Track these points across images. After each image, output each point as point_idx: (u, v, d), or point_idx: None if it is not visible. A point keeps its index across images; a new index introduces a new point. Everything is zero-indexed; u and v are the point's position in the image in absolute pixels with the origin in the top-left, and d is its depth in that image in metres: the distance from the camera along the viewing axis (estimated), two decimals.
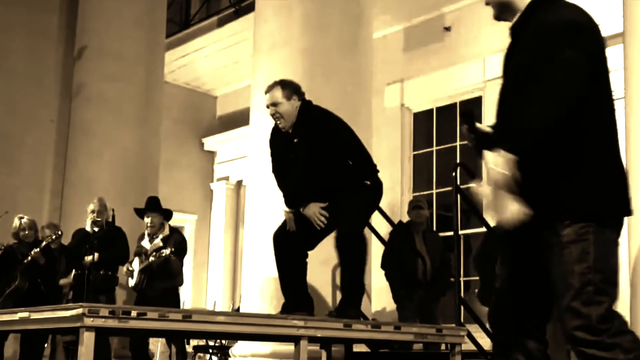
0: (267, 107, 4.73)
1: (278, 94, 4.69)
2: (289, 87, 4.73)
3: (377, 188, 4.75)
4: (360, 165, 4.66)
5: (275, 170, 4.85)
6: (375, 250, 7.10)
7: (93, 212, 7.00)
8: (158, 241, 6.83)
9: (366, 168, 4.70)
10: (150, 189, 8.70)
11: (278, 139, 4.81)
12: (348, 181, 4.55)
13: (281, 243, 4.67)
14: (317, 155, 4.54)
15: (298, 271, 4.67)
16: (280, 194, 4.82)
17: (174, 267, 6.74)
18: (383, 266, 7.12)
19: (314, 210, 4.51)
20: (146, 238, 6.95)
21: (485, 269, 7.03)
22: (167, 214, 7.03)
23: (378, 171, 4.79)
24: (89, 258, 6.73)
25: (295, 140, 4.63)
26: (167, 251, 6.53)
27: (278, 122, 4.69)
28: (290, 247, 4.63)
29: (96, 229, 6.92)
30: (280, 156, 4.78)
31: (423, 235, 7.26)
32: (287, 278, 4.68)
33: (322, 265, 5.62)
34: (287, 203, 4.68)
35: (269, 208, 6.00)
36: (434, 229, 9.35)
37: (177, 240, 6.79)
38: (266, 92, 4.76)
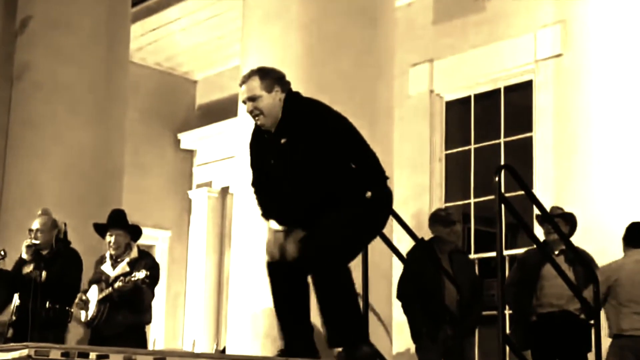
0: (243, 102, 4.81)
1: (255, 84, 4.76)
2: (270, 77, 4.79)
3: (380, 201, 4.70)
4: (363, 171, 4.67)
5: (256, 182, 4.90)
6: (397, 273, 7.10)
7: (31, 231, 6.99)
8: (124, 265, 6.85)
9: (370, 175, 4.71)
10: (113, 198, 8.73)
11: (259, 142, 4.86)
12: (345, 193, 4.56)
13: (277, 267, 4.68)
14: (311, 160, 4.56)
15: (299, 303, 4.68)
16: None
17: (144, 298, 6.76)
18: (400, 296, 7.13)
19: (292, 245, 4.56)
20: (108, 262, 6.97)
21: (522, 300, 7.09)
22: (135, 232, 7.06)
23: (387, 178, 4.80)
24: (36, 273, 6.74)
25: (282, 142, 4.67)
26: (139, 275, 6.53)
27: (257, 119, 4.76)
28: (289, 272, 4.64)
29: (28, 257, 6.87)
30: (262, 163, 4.83)
31: (449, 256, 7.28)
32: (286, 312, 4.69)
33: None
34: (280, 221, 4.72)
35: (262, 222, 6.01)
36: (471, 248, 9.35)
37: (148, 265, 6.81)
38: (241, 84, 4.84)
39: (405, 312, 7.14)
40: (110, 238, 6.92)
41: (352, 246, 4.77)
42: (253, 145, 4.94)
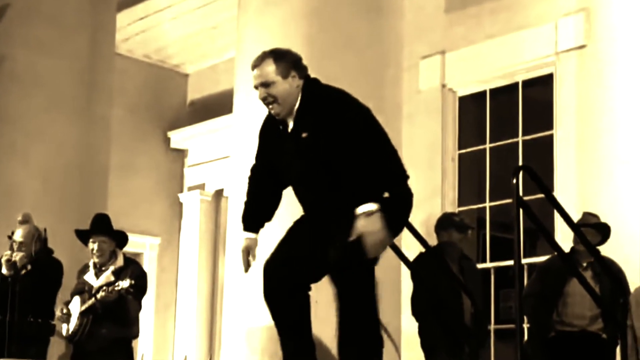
0: (255, 87, 4.70)
1: (270, 69, 4.63)
2: (286, 60, 4.68)
3: (403, 201, 4.70)
4: (386, 170, 4.65)
5: (257, 171, 4.84)
6: (406, 283, 7.10)
7: (13, 242, 6.96)
8: (109, 274, 6.85)
9: (393, 173, 4.69)
10: (97, 201, 8.73)
11: (272, 132, 4.78)
12: (367, 192, 4.53)
13: (276, 274, 4.66)
14: (334, 157, 4.49)
15: (300, 314, 4.67)
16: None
17: (130, 309, 6.76)
18: (415, 311, 7.16)
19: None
20: (91, 270, 6.97)
21: (541, 314, 7.08)
22: (120, 238, 7.05)
23: (407, 177, 4.79)
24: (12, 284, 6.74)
25: (303, 136, 4.58)
26: (123, 284, 6.53)
27: (270, 108, 4.66)
28: (289, 280, 4.63)
29: (10, 271, 6.86)
30: (273, 156, 4.76)
31: (459, 264, 7.30)
32: (286, 324, 4.68)
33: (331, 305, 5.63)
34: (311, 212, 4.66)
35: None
36: (487, 256, 9.35)
37: (134, 274, 6.81)
38: (253, 68, 4.72)
39: (420, 326, 7.16)
40: (93, 245, 6.91)
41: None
42: (264, 134, 4.84)
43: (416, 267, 6.91)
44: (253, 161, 4.94)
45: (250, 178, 4.88)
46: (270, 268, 4.65)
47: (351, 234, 4.33)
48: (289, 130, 4.65)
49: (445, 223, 7.49)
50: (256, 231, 4.77)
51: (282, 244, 4.71)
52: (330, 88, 4.73)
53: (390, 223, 4.51)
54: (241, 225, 4.85)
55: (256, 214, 4.83)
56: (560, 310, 7.04)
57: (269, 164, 4.79)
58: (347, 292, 4.52)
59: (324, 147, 4.49)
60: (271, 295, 4.63)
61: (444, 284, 6.96)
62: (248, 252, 4.73)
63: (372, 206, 4.30)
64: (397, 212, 4.62)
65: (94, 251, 6.92)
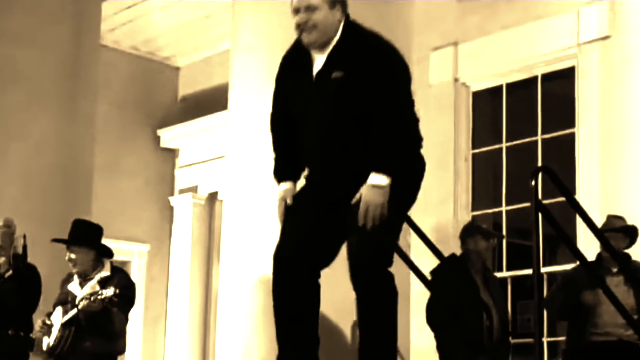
0: (294, 11, 4.65)
1: None
2: None
3: (418, 172, 4.75)
4: (411, 134, 4.64)
5: (278, 119, 4.79)
6: (415, 294, 7.10)
7: None
8: (94, 284, 6.85)
9: (416, 139, 4.70)
10: (81, 205, 8.73)
11: (291, 73, 4.73)
12: (386, 155, 4.50)
13: (287, 264, 4.61)
14: (367, 104, 4.48)
15: (312, 304, 4.66)
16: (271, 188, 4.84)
17: (115, 321, 6.76)
18: (430, 320, 7.19)
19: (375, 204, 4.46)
20: (76, 280, 6.97)
21: (572, 324, 7.12)
22: (103, 251, 7.03)
23: (422, 147, 4.81)
24: None
25: (334, 76, 4.53)
26: (107, 292, 6.52)
27: (305, 36, 4.61)
28: (302, 268, 4.58)
29: None
30: (289, 101, 4.70)
31: (483, 275, 7.37)
32: (294, 316, 4.65)
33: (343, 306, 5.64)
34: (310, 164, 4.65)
35: (258, 233, 6.02)
36: (503, 264, 9.35)
37: (121, 284, 6.81)
38: None
39: (438, 338, 7.20)
40: (70, 255, 6.92)
41: (399, 233, 4.82)
42: (283, 76, 4.80)
43: (437, 275, 6.98)
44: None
45: (273, 129, 4.86)
46: (281, 257, 4.64)
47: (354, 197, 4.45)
48: (315, 70, 4.61)
49: (471, 230, 7.56)
50: (292, 179, 4.74)
51: (289, 227, 4.69)
52: (374, 33, 4.71)
53: (401, 197, 4.60)
54: (274, 182, 4.85)
55: (289, 161, 4.80)
56: (594, 319, 7.05)
57: (287, 111, 4.76)
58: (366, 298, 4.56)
59: (357, 91, 4.49)
60: (283, 285, 4.61)
61: (466, 294, 7.04)
62: (285, 201, 4.71)
63: (383, 180, 4.40)
64: (413, 185, 4.70)
65: (72, 262, 6.92)
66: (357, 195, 4.43)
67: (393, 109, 4.52)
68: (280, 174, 4.81)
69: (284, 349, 4.64)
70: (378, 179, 4.41)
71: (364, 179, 4.46)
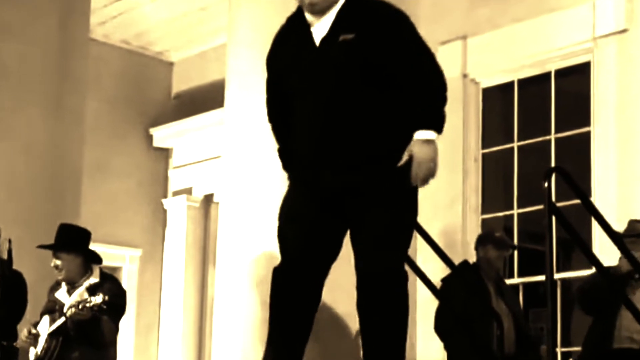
0: None
1: None
2: None
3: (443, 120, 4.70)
4: (443, 84, 4.66)
5: (274, 107, 4.72)
6: (422, 302, 7.10)
7: None
8: (82, 291, 6.86)
9: (445, 89, 4.72)
10: (69, 207, 8.74)
11: (288, 44, 4.62)
12: (436, 109, 4.56)
13: (291, 284, 4.57)
14: (392, 66, 4.45)
15: (307, 316, 4.63)
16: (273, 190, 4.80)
17: (104, 330, 6.76)
18: (439, 328, 7.23)
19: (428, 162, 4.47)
20: (63, 287, 6.98)
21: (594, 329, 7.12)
22: (91, 257, 7.03)
23: None
24: None
25: (344, 39, 4.43)
26: (96, 300, 6.52)
27: None
28: (307, 288, 4.53)
29: None
30: (289, 75, 4.56)
31: (496, 283, 7.44)
32: (286, 326, 4.62)
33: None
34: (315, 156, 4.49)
35: (256, 237, 6.02)
36: (514, 270, 9.34)
37: (111, 291, 6.81)
38: None
39: (448, 347, 7.28)
40: (56, 262, 6.91)
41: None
42: (277, 50, 4.69)
43: (448, 283, 7.05)
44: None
45: (271, 116, 4.80)
46: (285, 272, 4.57)
47: (401, 158, 4.42)
48: (319, 36, 4.51)
49: (483, 238, 7.66)
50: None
51: (289, 235, 4.59)
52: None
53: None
54: (272, 182, 4.83)
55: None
56: (617, 323, 7.04)
57: (283, 93, 4.67)
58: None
59: (373, 52, 4.43)
60: (286, 307, 4.57)
61: (476, 302, 7.10)
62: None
63: (431, 134, 4.45)
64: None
65: (57, 269, 6.92)
66: (406, 156, 4.42)
67: (427, 62, 4.57)
68: (288, 164, 4.73)
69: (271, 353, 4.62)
70: (427, 134, 4.45)
71: (376, 163, 4.42)
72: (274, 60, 4.70)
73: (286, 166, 4.77)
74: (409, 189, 4.51)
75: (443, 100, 4.59)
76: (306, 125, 4.53)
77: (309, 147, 4.53)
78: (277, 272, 4.57)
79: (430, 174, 4.47)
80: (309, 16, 4.54)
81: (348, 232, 4.59)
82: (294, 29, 4.62)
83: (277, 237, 4.61)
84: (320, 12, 4.50)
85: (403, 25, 4.55)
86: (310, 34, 4.53)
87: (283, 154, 4.80)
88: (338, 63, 4.43)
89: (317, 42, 4.50)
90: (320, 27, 4.51)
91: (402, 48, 4.48)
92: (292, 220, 4.59)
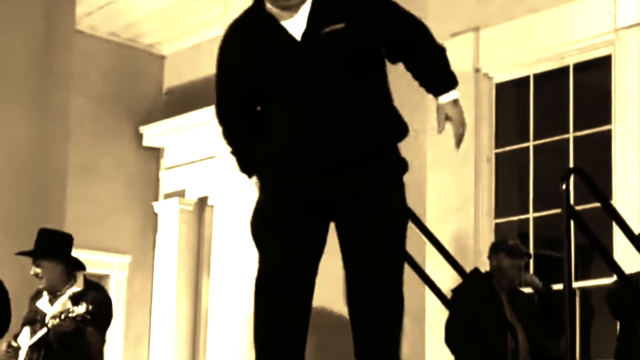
0: None
1: None
2: None
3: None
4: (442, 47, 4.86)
5: (231, 106, 4.61)
6: (430, 312, 7.10)
7: None
8: (65, 300, 6.86)
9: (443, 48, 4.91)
10: (53, 211, 8.75)
11: (252, 41, 4.48)
12: (449, 69, 4.79)
13: (274, 304, 4.56)
14: (392, 41, 4.59)
15: (300, 333, 4.57)
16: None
17: (89, 342, 6.74)
18: (450, 340, 7.28)
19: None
20: (45, 296, 6.97)
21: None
22: (73, 264, 7.02)
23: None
24: None
25: (330, 28, 4.35)
26: (79, 309, 6.52)
27: None
28: (293, 308, 4.51)
29: None
30: (263, 74, 4.45)
31: (510, 294, 7.49)
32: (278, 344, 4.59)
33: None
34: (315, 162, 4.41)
35: (252, 243, 5.98)
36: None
37: (96, 300, 6.79)
38: None
39: (457, 359, 7.31)
40: (36, 270, 6.90)
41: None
42: (238, 45, 4.54)
43: (459, 293, 7.11)
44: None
45: (225, 115, 4.69)
46: (268, 290, 4.51)
47: (439, 124, 4.70)
48: (296, 31, 4.42)
49: (496, 247, 7.70)
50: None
51: (271, 246, 4.52)
52: None
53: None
54: (246, 177, 4.76)
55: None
56: None
57: (247, 91, 4.55)
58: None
59: (368, 40, 4.45)
60: (269, 331, 4.52)
61: (488, 313, 7.14)
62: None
63: (456, 93, 4.71)
64: None
65: (37, 277, 6.90)
66: (443, 120, 4.71)
67: (423, 31, 4.71)
68: (251, 166, 4.70)
69: None
70: (453, 94, 4.72)
71: (372, 165, 4.41)
72: (235, 57, 4.56)
73: (247, 169, 4.74)
74: (402, 190, 4.54)
75: (448, 60, 4.80)
76: (290, 124, 4.45)
77: (293, 149, 4.45)
78: (262, 286, 4.50)
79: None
80: (275, 10, 4.43)
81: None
82: (256, 24, 4.50)
83: (256, 249, 4.55)
84: (290, 7, 4.41)
85: (388, 2, 4.63)
86: (282, 28, 4.43)
87: (243, 156, 4.74)
88: (330, 55, 4.38)
89: (297, 36, 4.41)
90: (295, 22, 4.42)
91: (397, 25, 4.57)
92: (272, 229, 4.50)
